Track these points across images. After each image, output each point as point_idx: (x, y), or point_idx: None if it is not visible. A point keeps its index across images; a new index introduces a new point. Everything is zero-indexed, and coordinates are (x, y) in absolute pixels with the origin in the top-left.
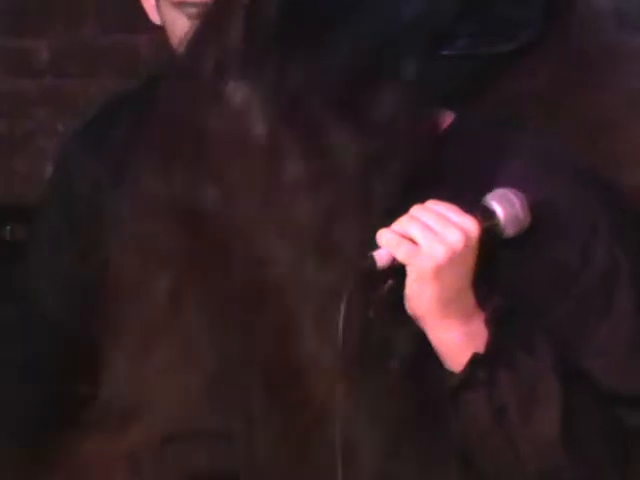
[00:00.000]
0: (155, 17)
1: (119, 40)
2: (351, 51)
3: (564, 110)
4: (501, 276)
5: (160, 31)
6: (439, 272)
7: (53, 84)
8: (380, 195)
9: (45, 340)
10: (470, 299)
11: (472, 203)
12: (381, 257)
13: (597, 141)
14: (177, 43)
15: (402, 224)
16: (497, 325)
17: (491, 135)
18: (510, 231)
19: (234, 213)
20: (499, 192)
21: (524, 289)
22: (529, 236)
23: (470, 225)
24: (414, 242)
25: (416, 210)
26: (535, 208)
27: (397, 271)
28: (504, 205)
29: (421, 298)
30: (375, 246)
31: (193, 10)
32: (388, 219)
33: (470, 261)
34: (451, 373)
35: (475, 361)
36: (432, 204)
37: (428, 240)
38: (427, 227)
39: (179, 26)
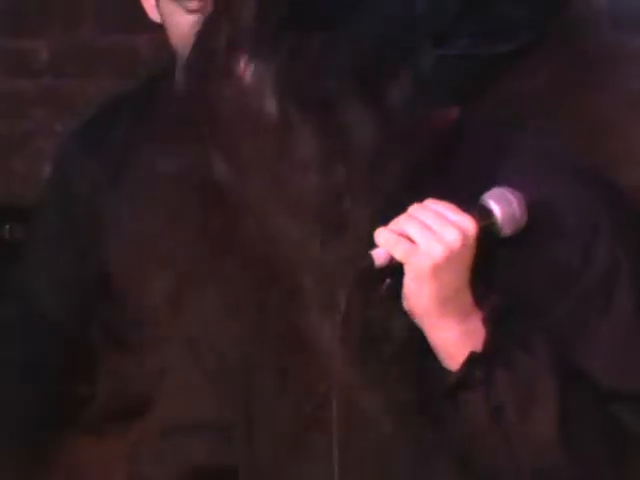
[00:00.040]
0: (154, 15)
1: (118, 41)
2: (366, 33)
3: (564, 110)
4: (499, 275)
5: (159, 31)
6: (437, 271)
7: (51, 84)
8: (389, 179)
9: (43, 340)
10: (467, 298)
11: (470, 202)
12: (379, 256)
13: (596, 141)
14: (177, 40)
15: (400, 223)
16: (495, 324)
17: (491, 135)
18: (507, 230)
19: (246, 191)
20: (496, 191)
21: (522, 288)
22: (527, 235)
23: (468, 224)
24: (412, 241)
25: (414, 209)
26: (534, 207)
27: (395, 270)
28: (501, 204)
29: (419, 297)
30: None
31: (193, 4)
32: (395, 206)
33: (468, 260)
34: (448, 372)
35: (472, 360)
36: (430, 203)
37: (426, 239)
38: (425, 226)
39: (179, 22)
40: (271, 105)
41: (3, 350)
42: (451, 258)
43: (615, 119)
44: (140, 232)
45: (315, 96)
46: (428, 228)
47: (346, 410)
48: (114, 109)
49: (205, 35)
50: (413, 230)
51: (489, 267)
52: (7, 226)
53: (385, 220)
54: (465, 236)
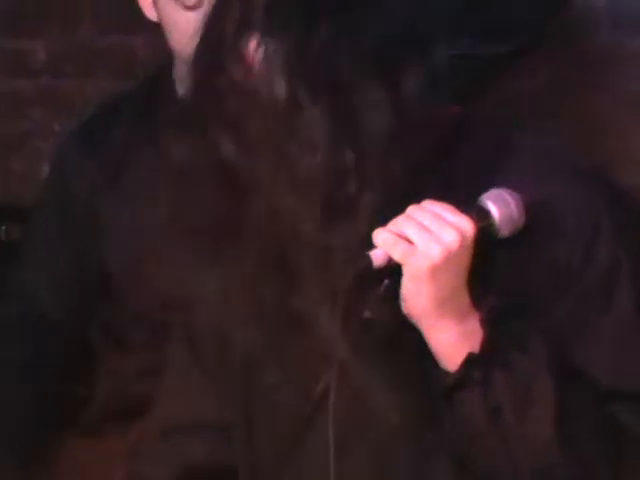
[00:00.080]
0: (151, 13)
1: (115, 41)
2: (382, 17)
3: (563, 110)
4: (497, 276)
5: (157, 31)
6: (435, 272)
7: (50, 85)
8: (396, 169)
9: (43, 340)
10: (465, 299)
11: (468, 202)
12: (377, 257)
13: (596, 141)
14: (175, 37)
15: (398, 224)
16: (492, 325)
17: (490, 135)
18: (505, 231)
19: (254, 172)
20: (494, 192)
21: (521, 288)
22: (527, 235)
23: (466, 225)
24: (410, 242)
25: (412, 210)
26: (533, 208)
27: (393, 271)
28: (499, 205)
29: (417, 298)
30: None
31: (191, 0)
32: (398, 199)
33: (465, 261)
34: (446, 373)
35: (470, 361)
36: (428, 204)
37: (424, 240)
38: (423, 227)
39: (177, 19)
40: (281, 86)
41: (2, 350)
42: (449, 259)
43: (614, 119)
44: (140, 231)
45: (326, 78)
46: (426, 229)
47: (345, 410)
48: (113, 109)
49: (216, 16)
50: (411, 231)
51: (487, 268)
52: (3, 227)
53: (387, 211)
54: (463, 237)
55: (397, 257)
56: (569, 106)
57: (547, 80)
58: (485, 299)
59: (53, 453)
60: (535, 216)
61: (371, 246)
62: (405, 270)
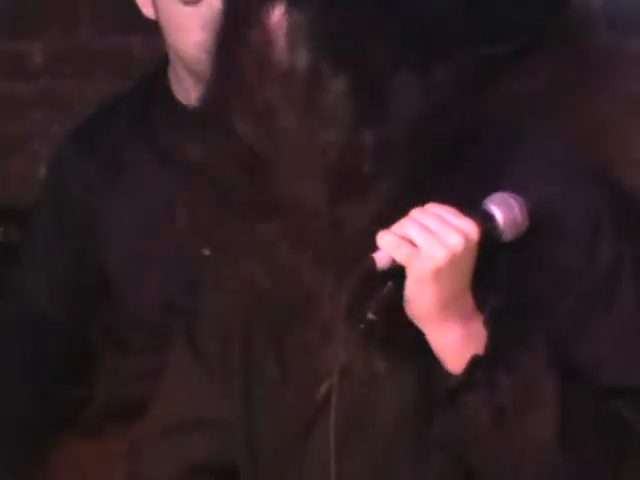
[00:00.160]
0: (149, 11)
1: (114, 42)
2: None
3: (563, 111)
4: (500, 278)
5: (155, 31)
6: (439, 274)
7: (48, 86)
8: (420, 153)
9: (42, 340)
10: (469, 301)
11: (471, 204)
12: (381, 259)
13: (595, 141)
14: (173, 34)
15: (402, 226)
16: (495, 326)
17: (491, 136)
18: (509, 235)
19: (273, 142)
20: (498, 196)
21: (524, 290)
22: (528, 238)
23: (470, 228)
24: (414, 244)
25: (416, 212)
26: (535, 210)
27: (397, 273)
28: (503, 209)
29: (420, 300)
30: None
31: None
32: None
33: (469, 264)
34: (450, 375)
35: (475, 363)
36: (432, 207)
37: (428, 242)
38: (427, 229)
39: (175, 14)
40: (303, 56)
41: (2, 350)
42: (453, 262)
43: (614, 119)
44: (139, 232)
45: (350, 50)
46: (430, 232)
47: (346, 411)
48: (111, 110)
49: None
50: (415, 233)
51: (490, 270)
52: (2, 228)
53: (402, 198)
54: (467, 240)
55: (401, 259)
56: (569, 106)
57: (547, 80)
58: (488, 301)
59: (53, 453)
60: (537, 217)
61: (381, 229)
62: (409, 273)
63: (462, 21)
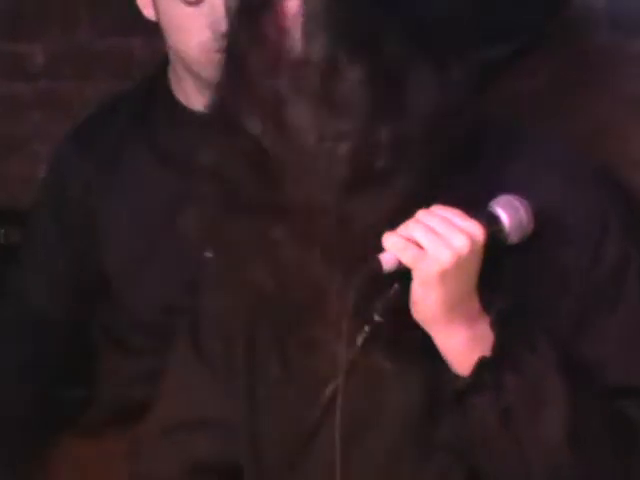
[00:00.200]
0: (149, 12)
1: (114, 44)
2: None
3: (563, 111)
4: (506, 279)
5: (155, 32)
6: (444, 276)
7: (48, 87)
8: (436, 150)
9: (42, 340)
10: (475, 303)
11: (472, 204)
12: (387, 261)
13: (595, 142)
14: (174, 35)
15: (408, 228)
16: (501, 327)
17: (492, 135)
18: (514, 237)
19: (282, 137)
20: (504, 198)
21: (530, 291)
22: (534, 240)
23: (475, 230)
24: (420, 246)
25: (422, 214)
26: (539, 211)
27: (403, 275)
28: (509, 212)
29: (426, 302)
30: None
31: None
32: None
33: (475, 266)
34: (457, 377)
35: (482, 364)
36: (437, 209)
37: (434, 244)
38: (433, 231)
39: (176, 14)
40: (319, 43)
41: (2, 351)
42: (459, 264)
43: (614, 120)
44: (139, 232)
45: (368, 40)
46: (436, 234)
47: (352, 412)
48: (110, 110)
49: None
50: (421, 235)
51: (496, 273)
52: (2, 230)
53: (416, 196)
54: (473, 242)
55: (407, 261)
56: (569, 106)
57: (547, 80)
58: (494, 302)
59: (53, 453)
60: (541, 219)
61: (395, 226)
62: (415, 275)
63: (462, 21)
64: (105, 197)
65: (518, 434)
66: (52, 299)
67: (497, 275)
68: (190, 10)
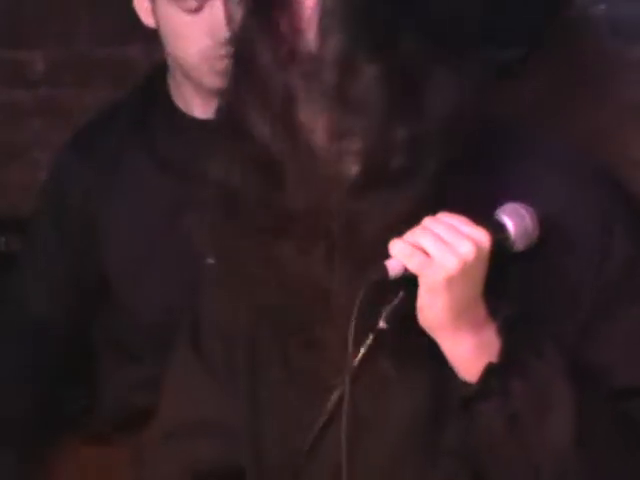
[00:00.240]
0: (149, 20)
1: (113, 51)
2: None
3: (562, 117)
4: (512, 288)
5: (154, 40)
6: (451, 283)
7: (48, 95)
8: (451, 152)
9: (42, 347)
10: (481, 310)
11: (481, 207)
12: (393, 267)
13: (595, 148)
14: (173, 43)
15: (414, 235)
16: (508, 334)
17: (492, 136)
18: (520, 245)
19: (292, 139)
20: (510, 206)
21: (536, 298)
22: (540, 247)
23: (481, 236)
24: (426, 253)
25: (428, 221)
26: (545, 218)
27: (409, 281)
28: (514, 219)
29: (433, 309)
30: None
31: (192, 4)
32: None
33: (481, 272)
34: (465, 383)
35: (489, 371)
36: (444, 216)
37: (440, 251)
38: (439, 238)
39: (176, 23)
40: (336, 40)
41: (2, 357)
42: (465, 270)
43: (614, 126)
44: (139, 239)
45: (387, 38)
46: (442, 240)
47: (357, 416)
48: (110, 116)
49: None
50: (427, 242)
51: (502, 280)
52: (3, 238)
53: (432, 199)
54: (479, 248)
55: (413, 268)
56: (569, 112)
57: (547, 86)
58: (500, 309)
59: (55, 459)
60: (547, 225)
61: (407, 229)
62: (421, 281)
63: (476, 21)
64: (105, 203)
65: (525, 440)
66: (52, 306)
67: (503, 282)
68: (189, 18)
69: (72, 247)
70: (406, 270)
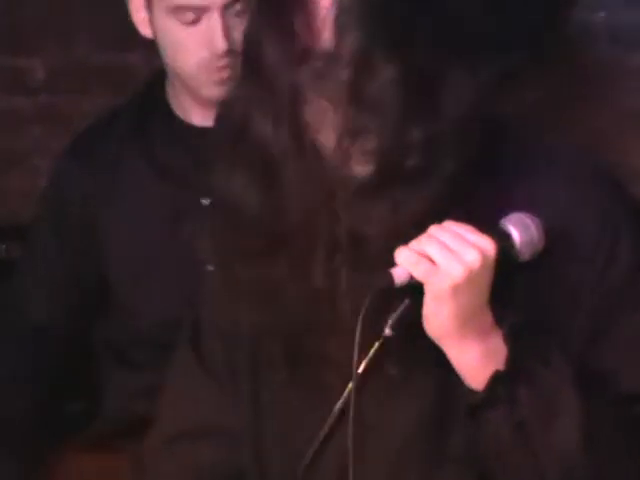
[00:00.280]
0: (146, 31)
1: (112, 58)
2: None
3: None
4: (518, 297)
5: (153, 46)
6: (456, 291)
7: (48, 102)
8: (466, 154)
9: (42, 354)
10: (487, 318)
11: (484, 210)
12: (399, 275)
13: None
14: (171, 53)
15: (420, 243)
16: (514, 341)
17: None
18: (526, 255)
19: (295, 140)
20: (515, 216)
21: (543, 305)
22: (545, 256)
23: (487, 244)
24: (432, 261)
25: (434, 230)
26: (551, 228)
27: (414, 289)
28: (520, 229)
29: (439, 317)
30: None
31: (189, 16)
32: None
33: (487, 280)
34: (472, 391)
35: (496, 379)
36: (449, 224)
37: (446, 259)
38: (445, 246)
39: (174, 35)
40: (353, 39)
41: (2, 364)
42: (471, 278)
43: (614, 133)
44: (138, 246)
45: (402, 36)
46: (448, 248)
47: (362, 422)
48: (110, 122)
49: None
50: (433, 250)
51: (508, 289)
52: (3, 245)
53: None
54: (484, 256)
55: (419, 275)
56: (569, 119)
57: (547, 94)
58: (506, 316)
59: (56, 467)
60: (552, 235)
61: (419, 231)
62: (427, 289)
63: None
64: (105, 209)
65: (532, 447)
66: (52, 312)
67: (509, 291)
68: (186, 30)
69: (72, 253)
70: (412, 278)
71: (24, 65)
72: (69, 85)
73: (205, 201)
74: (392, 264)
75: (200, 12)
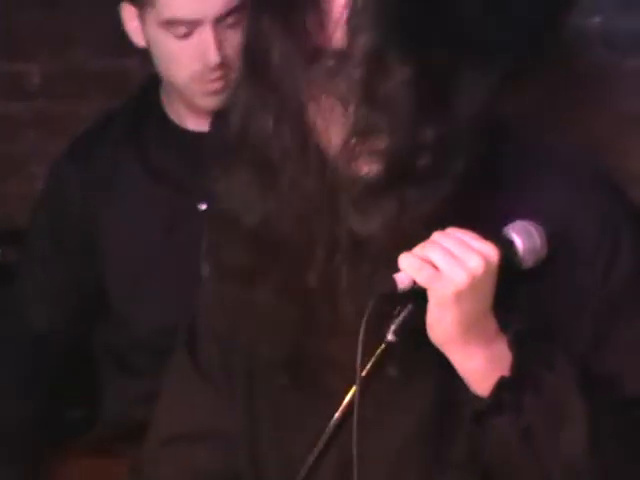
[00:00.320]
0: (139, 40)
1: (109, 63)
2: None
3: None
4: (522, 304)
5: (148, 53)
6: (460, 297)
7: (45, 107)
8: (476, 156)
9: (40, 358)
10: (491, 324)
11: (483, 210)
12: (402, 280)
13: None
14: (164, 64)
15: (423, 249)
16: (519, 347)
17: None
18: (529, 262)
19: (296, 140)
20: (518, 224)
21: (546, 313)
22: (548, 263)
23: (490, 251)
24: (435, 267)
25: (437, 236)
26: (553, 235)
27: (417, 295)
28: (523, 237)
29: (442, 323)
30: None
31: (182, 30)
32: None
33: (490, 286)
34: (477, 397)
35: (501, 385)
36: (453, 230)
37: (449, 265)
38: (448, 252)
39: (167, 47)
40: (367, 40)
41: (1, 369)
42: (474, 285)
43: (612, 137)
44: (135, 249)
45: (416, 36)
46: (451, 255)
47: (365, 426)
48: (104, 127)
49: None
50: (436, 256)
51: (511, 296)
52: (0, 249)
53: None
54: (487, 263)
55: (422, 281)
56: (567, 123)
57: (545, 98)
58: (510, 323)
59: (56, 471)
60: (555, 242)
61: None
62: (430, 295)
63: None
64: (103, 211)
65: (538, 453)
66: (52, 317)
67: (513, 298)
68: (179, 43)
69: (71, 255)
70: (415, 284)
71: (21, 70)
72: (66, 90)
73: (201, 206)
74: (394, 265)
75: (192, 26)
